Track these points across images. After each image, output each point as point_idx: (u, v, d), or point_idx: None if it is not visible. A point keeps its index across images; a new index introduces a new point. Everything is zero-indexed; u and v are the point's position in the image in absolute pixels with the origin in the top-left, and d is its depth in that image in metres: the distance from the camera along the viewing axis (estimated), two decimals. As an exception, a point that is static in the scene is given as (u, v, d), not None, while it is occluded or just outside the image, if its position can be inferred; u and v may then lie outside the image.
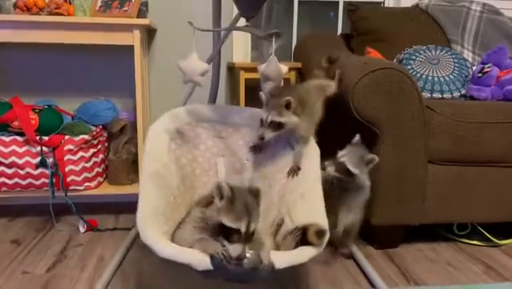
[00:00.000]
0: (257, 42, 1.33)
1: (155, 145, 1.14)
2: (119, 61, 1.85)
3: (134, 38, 1.55)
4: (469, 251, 1.48)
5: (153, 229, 0.89)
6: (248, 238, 0.83)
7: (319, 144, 1.25)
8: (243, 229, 0.82)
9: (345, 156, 1.26)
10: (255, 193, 0.88)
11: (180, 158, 1.21)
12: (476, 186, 1.41)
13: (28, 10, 1.54)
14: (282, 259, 0.82)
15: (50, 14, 1.54)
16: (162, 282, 1.22)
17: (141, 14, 1.65)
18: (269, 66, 1.17)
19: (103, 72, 1.85)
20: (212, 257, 0.77)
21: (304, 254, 0.86)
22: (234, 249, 0.80)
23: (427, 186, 1.38)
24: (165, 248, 0.82)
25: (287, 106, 1.11)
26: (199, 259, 0.79)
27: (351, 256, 1.39)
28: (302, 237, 0.91)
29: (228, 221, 0.83)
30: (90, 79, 1.85)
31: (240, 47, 1.99)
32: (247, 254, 0.78)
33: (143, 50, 1.65)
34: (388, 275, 1.30)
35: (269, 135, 1.12)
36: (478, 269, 1.36)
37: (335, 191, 1.27)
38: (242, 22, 1.35)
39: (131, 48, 1.57)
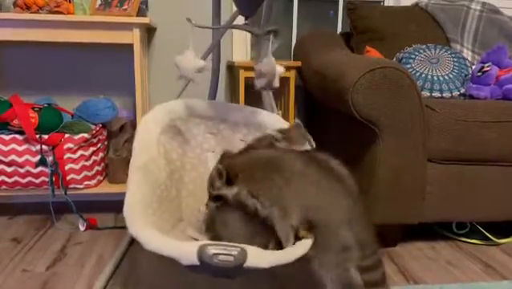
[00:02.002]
0: (255, 40, 1.33)
1: (145, 137, 1.13)
2: (119, 59, 1.85)
3: (134, 37, 1.55)
4: (468, 250, 1.49)
5: (140, 219, 0.88)
6: None
7: (317, 143, 1.25)
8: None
9: None
10: None
11: (169, 152, 1.20)
12: (475, 185, 1.42)
13: (28, 8, 1.54)
14: (270, 258, 0.81)
15: (50, 12, 1.54)
16: (162, 281, 1.23)
17: (141, 12, 1.65)
18: (263, 62, 1.17)
19: (103, 71, 1.86)
20: (200, 251, 0.76)
21: (292, 252, 0.86)
22: None
23: (426, 185, 1.38)
24: (151, 239, 0.81)
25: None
26: (186, 254, 0.77)
27: None
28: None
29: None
30: (90, 77, 1.85)
31: (240, 46, 1.99)
32: (234, 252, 0.77)
33: (143, 49, 1.65)
34: (387, 274, 1.30)
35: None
36: (477, 268, 1.36)
37: None
38: (241, 20, 1.35)
39: (131, 47, 1.57)
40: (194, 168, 1.26)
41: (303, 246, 0.88)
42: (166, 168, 1.15)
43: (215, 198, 0.95)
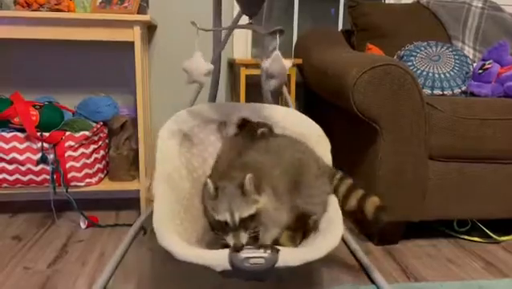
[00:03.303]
0: (259, 39, 1.32)
1: (165, 149, 1.15)
2: (119, 57, 1.85)
3: (134, 35, 1.55)
4: (469, 248, 1.49)
5: (170, 231, 0.89)
6: (238, 227, 0.85)
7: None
8: (228, 220, 0.85)
9: None
10: (241, 185, 0.87)
11: (190, 161, 1.21)
12: (476, 183, 1.42)
13: (28, 6, 1.54)
14: (297, 256, 0.82)
15: (51, 10, 1.54)
16: (162, 278, 1.23)
17: (142, 10, 1.65)
18: (273, 63, 1.16)
19: (104, 68, 1.85)
20: (231, 257, 0.79)
21: (322, 247, 0.87)
22: (229, 238, 0.85)
23: (427, 183, 1.38)
24: (184, 251, 0.83)
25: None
26: (218, 260, 0.80)
27: None
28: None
29: (216, 216, 0.87)
30: (90, 75, 1.85)
31: (240, 44, 1.99)
32: (265, 254, 0.79)
33: (143, 47, 1.65)
34: (388, 272, 1.30)
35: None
36: (478, 265, 1.36)
37: None
38: (244, 19, 1.35)
39: (131, 44, 1.57)
40: None
41: (334, 239, 0.89)
42: (189, 177, 1.17)
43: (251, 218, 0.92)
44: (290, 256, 0.81)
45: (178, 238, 0.88)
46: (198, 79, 1.19)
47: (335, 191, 1.09)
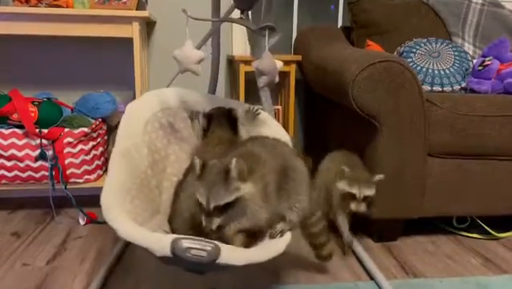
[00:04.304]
0: (251, 35, 1.32)
1: (130, 124, 1.13)
2: (118, 53, 1.84)
3: (133, 31, 1.54)
4: (468, 244, 1.49)
5: (118, 208, 0.87)
6: (212, 212, 0.84)
7: (318, 136, 1.25)
8: (204, 204, 0.84)
9: None
10: (226, 170, 0.84)
11: (154, 141, 1.19)
12: (475, 179, 1.42)
13: (27, 1, 1.53)
14: (244, 256, 0.80)
15: (49, 6, 1.53)
16: (161, 275, 1.23)
17: (140, 6, 1.65)
18: (262, 60, 1.16)
19: (103, 65, 1.85)
20: (173, 244, 0.76)
21: (268, 251, 0.85)
22: (203, 220, 0.84)
23: (426, 179, 1.38)
24: (125, 228, 0.81)
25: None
26: (159, 245, 0.77)
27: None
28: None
29: (197, 195, 0.86)
30: (89, 71, 1.85)
31: (239, 40, 1.98)
32: (208, 247, 0.77)
33: (142, 43, 1.64)
34: (387, 268, 1.30)
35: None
36: (477, 262, 1.36)
37: None
38: (237, 14, 1.35)
39: (130, 40, 1.56)
40: (179, 160, 1.24)
41: (280, 245, 0.88)
42: (149, 157, 1.14)
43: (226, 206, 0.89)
44: (234, 255, 0.79)
45: (125, 215, 0.86)
46: (190, 68, 1.18)
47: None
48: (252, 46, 1.33)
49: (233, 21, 1.29)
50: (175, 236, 0.77)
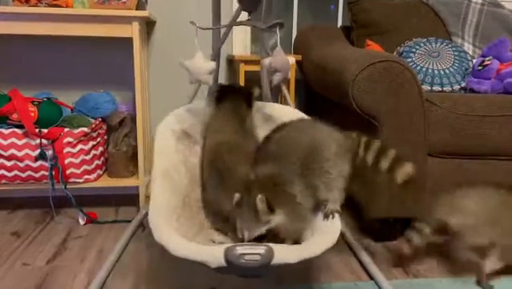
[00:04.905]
0: (258, 35, 1.32)
1: (163, 145, 1.14)
2: (118, 53, 1.84)
3: (133, 31, 1.54)
4: (468, 244, 1.49)
5: (166, 226, 0.88)
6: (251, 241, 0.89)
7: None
8: (240, 236, 0.91)
9: None
10: (254, 207, 0.89)
11: (189, 158, 1.21)
12: (475, 179, 1.41)
13: (26, 1, 1.53)
14: (296, 253, 0.81)
15: (49, 5, 1.53)
16: (161, 275, 1.23)
17: (140, 5, 1.65)
18: (275, 57, 1.16)
19: (103, 65, 1.85)
20: (226, 253, 0.78)
21: (319, 245, 0.86)
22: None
23: (426, 179, 1.38)
24: (178, 246, 0.82)
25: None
26: (213, 256, 0.79)
27: None
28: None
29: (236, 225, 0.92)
30: (89, 71, 1.85)
31: (240, 40, 1.98)
32: (261, 250, 0.78)
33: (142, 43, 1.64)
34: (386, 268, 1.30)
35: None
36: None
37: None
38: (244, 16, 1.35)
39: (130, 40, 1.56)
40: None
41: (331, 237, 0.88)
42: (187, 174, 1.16)
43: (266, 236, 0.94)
44: (287, 253, 0.81)
45: (174, 232, 0.87)
46: (202, 79, 1.19)
47: (364, 160, 1.09)
48: (261, 46, 1.33)
49: (242, 24, 1.30)
50: (227, 245, 0.79)
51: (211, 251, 0.79)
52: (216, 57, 1.36)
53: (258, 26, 1.21)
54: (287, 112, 1.29)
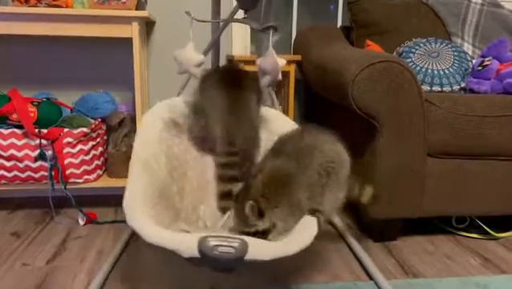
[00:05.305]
0: (255, 34, 1.32)
1: (147, 133, 1.13)
2: (118, 53, 1.84)
3: (133, 31, 1.54)
4: (467, 244, 1.49)
5: (141, 212, 0.87)
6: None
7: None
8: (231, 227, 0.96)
9: None
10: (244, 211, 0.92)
11: (171, 147, 1.20)
12: (475, 179, 1.42)
13: (26, 1, 1.53)
14: (271, 250, 0.80)
15: (49, 6, 1.53)
16: (161, 275, 1.23)
17: (140, 6, 1.65)
18: (265, 59, 1.16)
19: (102, 65, 1.85)
20: (200, 243, 0.76)
21: (295, 244, 0.85)
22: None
23: (425, 179, 1.38)
24: (151, 233, 0.80)
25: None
26: (186, 245, 0.76)
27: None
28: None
29: None
30: (89, 71, 1.85)
31: (239, 40, 1.98)
32: (235, 244, 0.77)
33: (142, 43, 1.64)
34: (386, 268, 1.30)
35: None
36: (476, 261, 1.36)
37: None
38: (240, 14, 1.34)
39: (130, 40, 1.56)
40: (198, 164, 1.25)
41: (307, 237, 0.88)
42: (168, 165, 1.15)
43: (253, 234, 0.94)
44: (261, 250, 0.79)
45: (149, 219, 0.86)
46: (190, 70, 1.18)
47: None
48: (257, 46, 1.33)
49: (237, 21, 1.30)
50: (201, 235, 0.77)
51: (184, 240, 0.77)
52: (208, 52, 1.36)
53: (253, 25, 1.21)
54: (275, 116, 1.30)
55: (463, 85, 1.73)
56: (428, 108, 1.34)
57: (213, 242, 0.76)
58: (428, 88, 1.71)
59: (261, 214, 0.91)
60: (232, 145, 1.11)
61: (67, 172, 1.55)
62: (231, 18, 1.34)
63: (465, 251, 1.43)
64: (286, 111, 1.91)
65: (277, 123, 1.30)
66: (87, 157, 1.58)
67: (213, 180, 1.18)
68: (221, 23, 1.36)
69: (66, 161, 1.53)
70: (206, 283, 1.18)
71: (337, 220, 1.54)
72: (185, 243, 0.77)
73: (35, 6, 1.53)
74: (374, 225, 1.49)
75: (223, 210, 1.11)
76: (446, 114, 1.35)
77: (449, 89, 1.71)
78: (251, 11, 1.28)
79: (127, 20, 1.53)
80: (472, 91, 1.68)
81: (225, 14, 1.44)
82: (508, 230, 1.55)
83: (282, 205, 0.93)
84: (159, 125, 1.18)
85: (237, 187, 0.97)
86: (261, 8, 1.28)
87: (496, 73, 1.65)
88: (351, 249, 1.40)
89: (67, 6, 1.56)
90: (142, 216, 0.86)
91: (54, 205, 1.61)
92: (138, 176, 1.00)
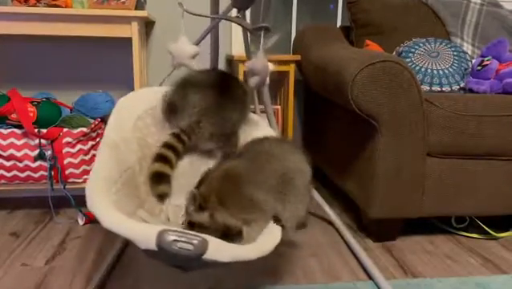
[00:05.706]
0: (245, 35, 1.32)
1: (121, 118, 1.12)
2: (117, 53, 1.84)
3: (132, 31, 1.54)
4: (467, 244, 1.49)
5: (102, 196, 0.84)
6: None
7: (317, 137, 1.25)
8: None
9: None
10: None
11: (145, 137, 1.18)
12: (474, 179, 1.42)
13: (25, 1, 1.53)
14: (231, 253, 0.78)
15: (48, 5, 1.53)
16: (161, 275, 1.23)
17: (139, 5, 1.65)
18: (256, 60, 1.16)
19: (102, 65, 1.85)
20: (159, 236, 0.72)
21: (257, 249, 0.83)
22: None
23: (425, 179, 1.38)
24: (110, 218, 0.77)
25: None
26: (145, 236, 0.73)
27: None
28: None
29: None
30: (88, 71, 1.85)
31: (239, 40, 1.98)
32: (194, 241, 0.73)
33: (141, 43, 1.64)
34: (385, 268, 1.30)
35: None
36: (476, 261, 1.36)
37: None
38: (235, 13, 1.34)
39: (129, 40, 1.56)
40: None
41: (269, 244, 0.87)
42: (138, 152, 1.13)
43: (189, 224, 0.94)
44: (220, 251, 0.75)
45: (110, 204, 0.83)
46: (185, 62, 1.18)
47: None
48: (246, 48, 1.33)
49: (229, 19, 1.29)
50: (162, 227, 0.73)
51: (144, 231, 0.74)
52: (199, 41, 1.35)
53: (244, 25, 1.21)
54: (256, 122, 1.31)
55: (462, 85, 1.73)
56: (428, 108, 1.34)
57: (172, 237, 0.72)
58: (428, 88, 1.71)
59: (201, 207, 0.92)
60: (196, 124, 1.12)
61: (67, 172, 1.55)
62: (223, 16, 1.34)
63: (464, 251, 1.43)
64: (285, 111, 1.91)
65: (255, 128, 1.30)
66: (87, 157, 1.58)
67: (182, 175, 1.17)
68: (214, 19, 1.36)
69: (65, 161, 1.53)
70: (206, 283, 1.18)
71: (337, 220, 1.54)
72: (144, 234, 0.73)
73: (35, 5, 1.53)
74: (374, 225, 1.49)
75: (160, 198, 1.09)
76: (446, 114, 1.35)
77: (449, 89, 1.71)
78: (252, 11, 1.28)
79: (126, 20, 1.53)
80: (471, 90, 1.68)
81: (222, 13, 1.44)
82: (508, 230, 1.55)
83: (232, 203, 0.91)
84: (135, 113, 1.17)
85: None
86: (260, 7, 1.28)
87: (495, 73, 1.65)
88: (350, 249, 1.40)
89: (66, 6, 1.56)
90: (103, 200, 0.83)
91: (53, 205, 1.61)
92: (104, 158, 0.97)
